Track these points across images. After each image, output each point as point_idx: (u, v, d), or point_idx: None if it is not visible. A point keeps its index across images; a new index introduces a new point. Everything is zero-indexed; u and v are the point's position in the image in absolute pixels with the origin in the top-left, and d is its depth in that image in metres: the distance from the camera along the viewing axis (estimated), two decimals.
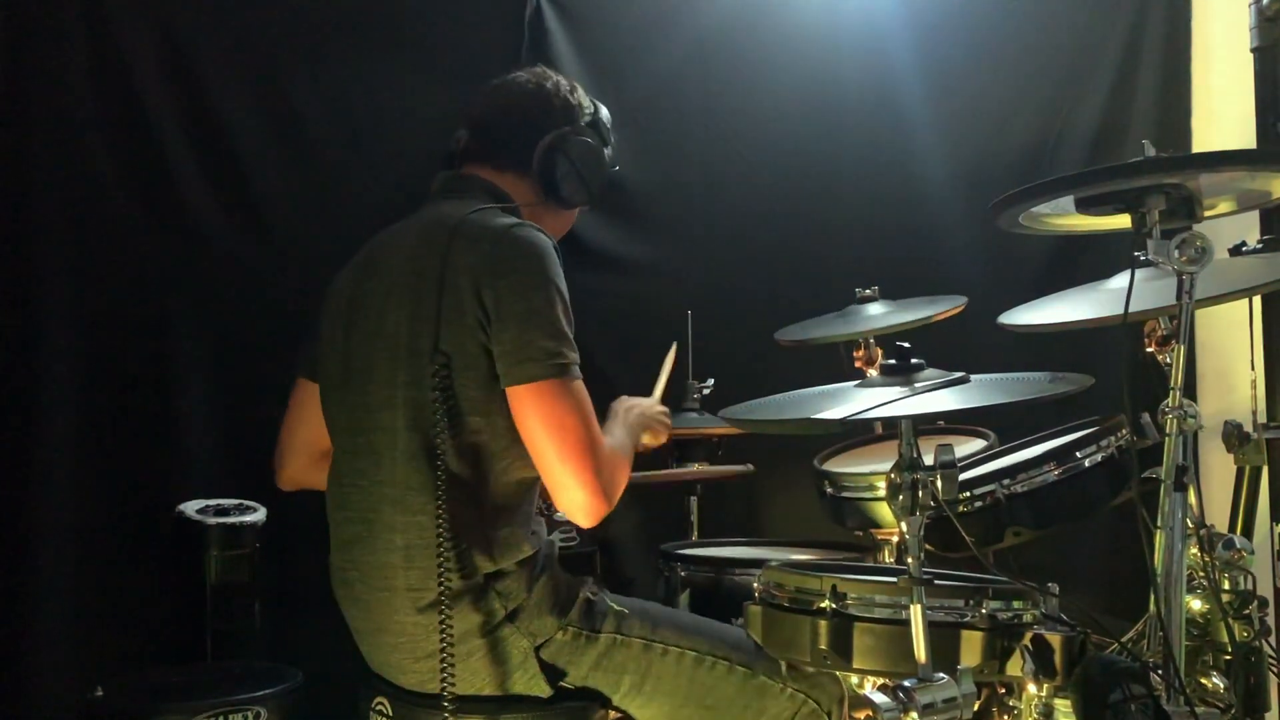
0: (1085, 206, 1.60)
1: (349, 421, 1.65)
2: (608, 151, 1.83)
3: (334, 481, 1.68)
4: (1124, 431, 1.77)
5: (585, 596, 1.61)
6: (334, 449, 1.70)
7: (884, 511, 1.98)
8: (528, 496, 1.62)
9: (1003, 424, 2.10)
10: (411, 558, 1.54)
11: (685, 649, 1.62)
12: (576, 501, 1.53)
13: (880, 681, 1.53)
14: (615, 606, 1.63)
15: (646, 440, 1.91)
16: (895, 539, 2.05)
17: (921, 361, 1.54)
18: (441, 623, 1.48)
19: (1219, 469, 2.10)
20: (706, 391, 2.44)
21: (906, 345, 1.56)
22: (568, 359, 1.55)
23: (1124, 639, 1.61)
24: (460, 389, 1.54)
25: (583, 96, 1.82)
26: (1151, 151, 1.58)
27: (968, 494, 1.73)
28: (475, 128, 1.78)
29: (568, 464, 1.51)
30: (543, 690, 1.56)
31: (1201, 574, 1.63)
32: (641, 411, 1.87)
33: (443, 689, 1.48)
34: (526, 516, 1.60)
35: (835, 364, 2.38)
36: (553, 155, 1.73)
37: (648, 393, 2.19)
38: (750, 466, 2.40)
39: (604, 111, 1.86)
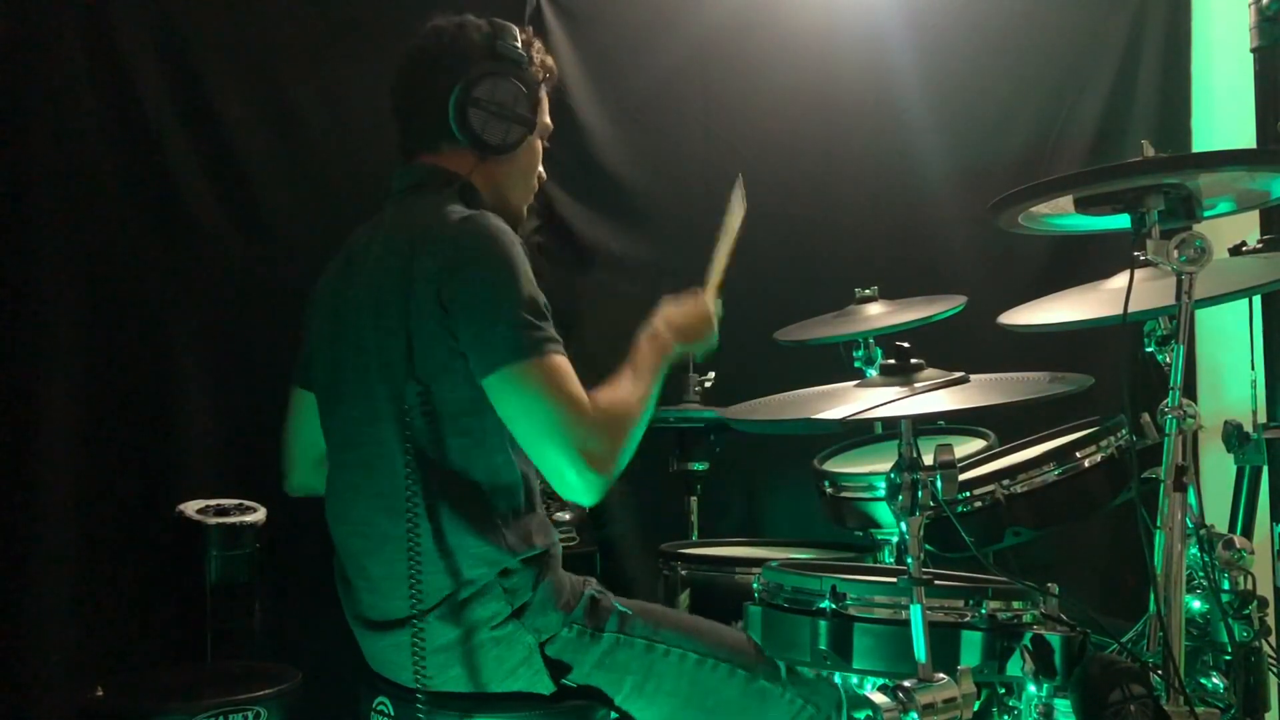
0: (1084, 206, 1.60)
1: (343, 437, 1.65)
2: (525, 71, 1.66)
3: (330, 494, 1.67)
4: (1124, 431, 1.77)
5: (590, 595, 1.61)
6: (329, 461, 1.69)
7: (884, 511, 1.98)
8: (531, 488, 1.61)
9: (1003, 424, 2.10)
10: (420, 562, 1.53)
11: (687, 650, 1.61)
12: (569, 483, 1.47)
13: (880, 681, 1.53)
14: (619, 606, 1.63)
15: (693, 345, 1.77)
16: (895, 539, 2.05)
17: (921, 361, 1.54)
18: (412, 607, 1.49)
19: (1219, 469, 2.10)
20: (708, 384, 2.44)
21: (906, 345, 1.55)
22: (527, 338, 1.47)
23: (1124, 639, 1.61)
24: (445, 395, 1.52)
25: (473, 31, 1.66)
26: (1151, 151, 1.58)
27: (967, 494, 1.73)
28: (396, 119, 1.72)
29: (547, 446, 1.47)
30: (546, 687, 1.56)
31: (1201, 574, 1.63)
32: (679, 327, 1.74)
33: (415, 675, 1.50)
34: (533, 508, 1.60)
35: (835, 364, 2.38)
36: (463, 114, 1.61)
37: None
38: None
39: (504, 30, 1.67)
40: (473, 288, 1.50)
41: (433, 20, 1.69)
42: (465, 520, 1.52)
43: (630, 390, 1.59)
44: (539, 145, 1.76)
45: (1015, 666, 1.45)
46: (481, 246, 1.52)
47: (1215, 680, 1.60)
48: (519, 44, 1.67)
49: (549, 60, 1.73)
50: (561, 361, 1.49)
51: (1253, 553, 1.65)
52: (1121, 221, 1.60)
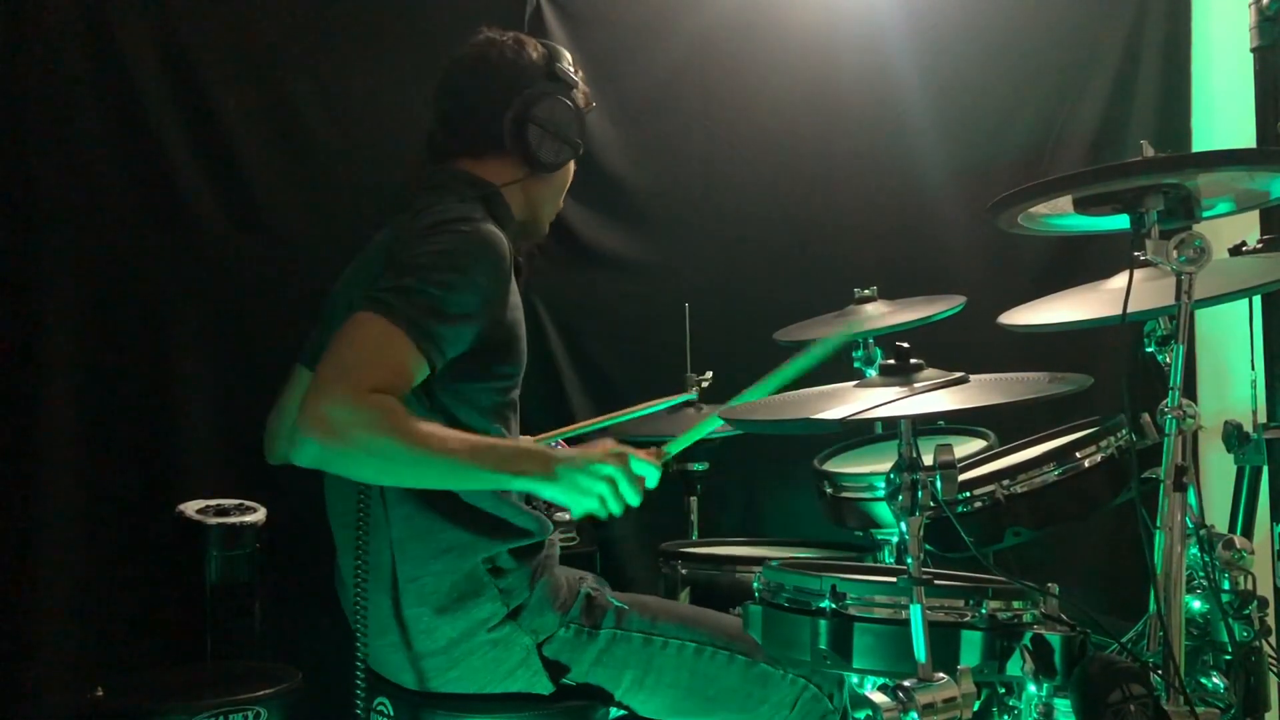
0: (1084, 206, 1.60)
1: None
2: (576, 94, 1.71)
3: (327, 487, 1.68)
4: (1124, 431, 1.77)
5: (586, 593, 1.62)
6: None
7: (884, 511, 1.98)
8: None
9: (1003, 424, 2.10)
10: (405, 550, 1.53)
11: (685, 640, 1.62)
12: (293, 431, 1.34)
13: (880, 681, 1.53)
14: (615, 602, 1.63)
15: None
16: (895, 539, 2.05)
17: (921, 361, 1.54)
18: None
19: (1219, 469, 2.10)
20: (705, 384, 2.44)
21: (906, 345, 1.55)
22: (389, 299, 1.38)
23: (1124, 639, 1.61)
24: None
25: (532, 50, 1.69)
26: (1150, 151, 1.58)
27: (967, 494, 1.73)
28: (438, 121, 1.73)
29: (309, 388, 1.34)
30: (545, 688, 1.57)
31: (1201, 574, 1.63)
32: (557, 457, 1.48)
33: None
34: (508, 494, 1.57)
35: (835, 364, 2.38)
36: (521, 128, 1.64)
37: (646, 391, 2.18)
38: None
39: (560, 54, 1.71)
40: (407, 255, 1.46)
41: (485, 32, 1.72)
42: (428, 507, 1.52)
43: (439, 434, 1.39)
44: (572, 169, 1.78)
45: (1015, 666, 1.44)
46: (451, 234, 1.49)
47: (1215, 680, 1.60)
48: (572, 68, 1.71)
49: (587, 89, 1.76)
50: (392, 333, 1.36)
51: (1253, 553, 1.65)
52: (1121, 222, 1.60)
